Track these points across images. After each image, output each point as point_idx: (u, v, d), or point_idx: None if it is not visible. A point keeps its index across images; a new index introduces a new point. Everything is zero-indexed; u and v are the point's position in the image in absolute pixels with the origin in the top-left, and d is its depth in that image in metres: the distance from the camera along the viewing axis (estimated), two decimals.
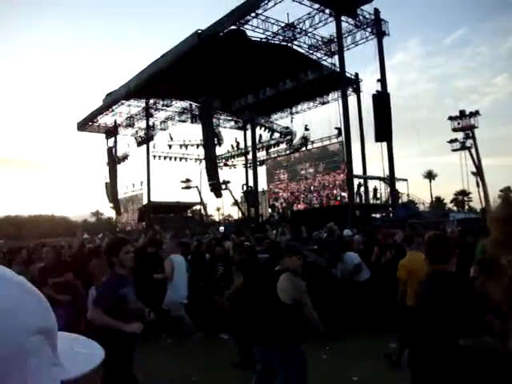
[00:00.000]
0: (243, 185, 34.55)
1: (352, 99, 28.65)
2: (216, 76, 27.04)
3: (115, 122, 38.66)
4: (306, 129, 33.49)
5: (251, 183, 31.21)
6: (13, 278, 0.64)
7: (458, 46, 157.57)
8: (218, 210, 59.67)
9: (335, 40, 25.10)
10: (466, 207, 63.04)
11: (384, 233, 9.91)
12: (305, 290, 4.27)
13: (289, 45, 26.78)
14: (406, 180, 29.17)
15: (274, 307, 4.14)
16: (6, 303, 0.59)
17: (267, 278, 4.36)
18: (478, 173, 30.71)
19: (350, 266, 8.55)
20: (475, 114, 30.25)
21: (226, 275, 8.86)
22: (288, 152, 35.54)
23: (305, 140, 33.94)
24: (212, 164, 29.45)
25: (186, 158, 38.80)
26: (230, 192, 32.26)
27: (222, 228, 29.09)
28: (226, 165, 39.64)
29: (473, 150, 30.59)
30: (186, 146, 37.84)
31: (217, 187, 29.15)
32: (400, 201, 27.11)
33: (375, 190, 28.51)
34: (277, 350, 4.17)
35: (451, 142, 31.83)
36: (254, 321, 4.37)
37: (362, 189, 28.04)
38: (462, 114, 30.56)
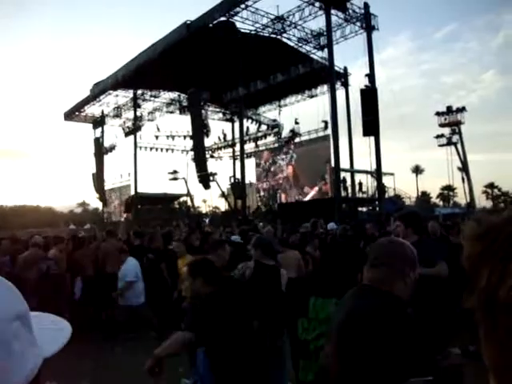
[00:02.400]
0: (230, 177, 34.53)
1: (340, 93, 28.75)
2: (205, 67, 26.90)
3: (102, 112, 38.35)
4: (296, 122, 33.45)
5: (238, 175, 31.22)
6: None
7: (447, 42, 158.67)
8: (205, 201, 59.74)
9: (324, 33, 25.09)
10: (452, 202, 63.61)
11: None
12: None
13: (278, 37, 26.73)
14: (392, 174, 29.41)
15: (277, 299, 4.17)
16: None
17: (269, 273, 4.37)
18: (464, 168, 31.12)
19: None
20: (462, 109, 30.58)
21: None
22: (276, 145, 35.58)
23: (293, 133, 33.98)
24: (201, 156, 29.38)
25: (172, 149, 38.65)
26: (217, 184, 32.26)
27: (207, 220, 29.13)
28: (212, 156, 39.53)
29: (459, 146, 30.97)
30: (173, 137, 37.66)
31: (205, 179, 29.10)
32: (386, 195, 27.30)
33: (360, 184, 28.64)
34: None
35: (438, 137, 32.18)
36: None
37: (349, 182, 28.15)
38: (449, 109, 30.89)
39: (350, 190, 28.06)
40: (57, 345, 0.73)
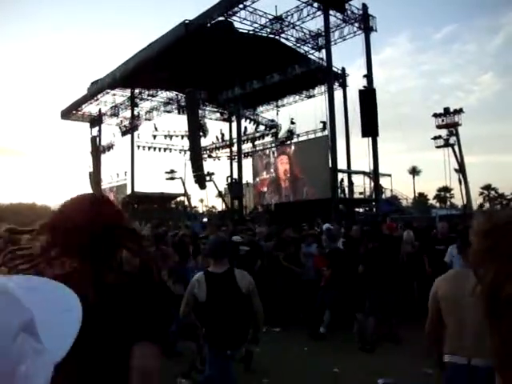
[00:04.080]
0: (227, 177, 34.49)
1: (338, 94, 28.75)
2: (203, 67, 26.87)
3: (100, 111, 38.30)
4: (292, 122, 33.51)
5: (235, 175, 31.20)
6: None
7: (446, 43, 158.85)
8: (202, 201, 59.71)
9: (323, 34, 25.09)
10: (448, 203, 63.72)
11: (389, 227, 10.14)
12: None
13: (276, 37, 26.72)
14: (389, 175, 29.44)
15: (243, 305, 4.10)
16: None
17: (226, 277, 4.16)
18: (461, 170, 31.11)
19: None
20: (459, 111, 30.57)
21: None
22: (273, 145, 35.54)
23: (290, 133, 33.97)
24: (197, 155, 29.34)
25: (170, 149, 38.58)
26: (214, 184, 32.18)
27: (205, 219, 29.09)
28: (210, 156, 39.50)
29: (456, 147, 30.97)
30: (171, 137, 37.61)
31: (201, 179, 29.07)
32: (383, 196, 27.31)
33: (351, 184, 28.51)
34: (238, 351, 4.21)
35: (435, 138, 32.19)
36: (230, 324, 4.07)
37: (346, 183, 28.11)
38: (447, 111, 30.88)
39: (347, 191, 28.04)
40: (69, 338, 0.61)
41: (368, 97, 23.10)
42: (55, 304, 0.66)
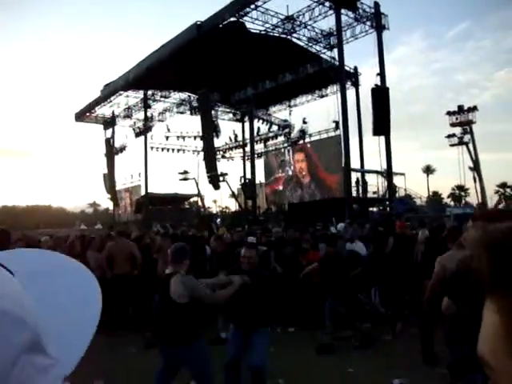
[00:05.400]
0: (241, 177, 34.54)
1: (351, 93, 28.63)
2: (215, 68, 26.96)
3: (113, 112, 38.55)
4: (304, 122, 33.44)
5: (249, 175, 31.22)
6: None
7: (459, 40, 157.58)
8: (215, 202, 59.87)
9: (335, 33, 25.01)
10: (463, 202, 63.17)
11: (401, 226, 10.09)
12: (196, 285, 4.55)
13: (288, 37, 26.69)
14: (403, 174, 29.23)
15: (171, 309, 4.49)
16: None
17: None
18: (475, 168, 30.86)
19: None
20: (473, 109, 30.33)
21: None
22: (286, 145, 35.53)
23: (303, 133, 33.92)
24: (210, 156, 29.43)
25: (183, 150, 38.72)
26: (228, 184, 32.24)
27: (219, 220, 29.16)
28: (223, 157, 39.61)
29: (470, 145, 30.73)
30: (184, 138, 37.75)
31: (215, 179, 29.14)
32: (397, 195, 27.14)
33: (365, 183, 28.38)
34: (183, 347, 4.46)
35: (449, 136, 31.99)
36: (160, 322, 4.66)
37: (360, 182, 27.99)
38: (461, 109, 30.65)
39: (360, 191, 27.93)
40: (84, 342, 0.52)
41: (381, 95, 22.96)
42: (68, 293, 0.56)
